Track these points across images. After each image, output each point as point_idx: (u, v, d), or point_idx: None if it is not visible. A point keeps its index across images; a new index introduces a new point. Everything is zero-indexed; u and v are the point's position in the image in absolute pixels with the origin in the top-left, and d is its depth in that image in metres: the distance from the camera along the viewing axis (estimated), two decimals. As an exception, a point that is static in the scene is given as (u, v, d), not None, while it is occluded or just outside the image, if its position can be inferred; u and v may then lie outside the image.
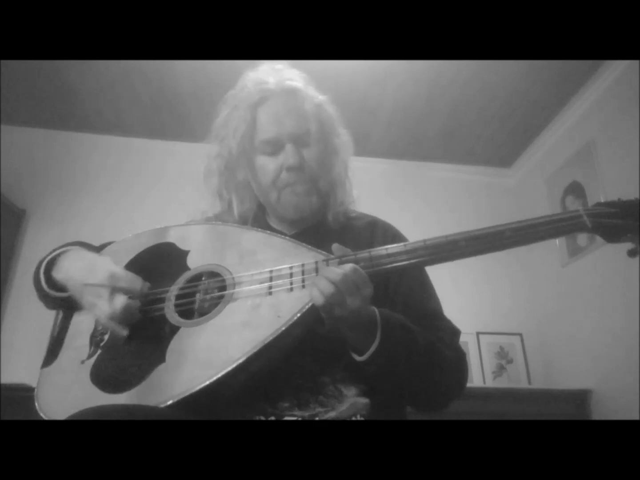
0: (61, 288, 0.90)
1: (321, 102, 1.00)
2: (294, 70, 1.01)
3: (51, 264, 0.92)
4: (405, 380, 0.82)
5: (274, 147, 0.94)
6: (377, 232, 0.99)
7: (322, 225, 0.99)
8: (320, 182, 0.97)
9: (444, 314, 0.95)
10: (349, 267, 0.75)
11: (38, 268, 0.94)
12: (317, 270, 0.80)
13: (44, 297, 0.94)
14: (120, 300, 0.82)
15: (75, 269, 0.88)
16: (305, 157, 0.94)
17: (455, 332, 0.92)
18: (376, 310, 0.79)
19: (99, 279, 0.83)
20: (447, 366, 0.85)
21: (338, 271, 0.74)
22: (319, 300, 0.73)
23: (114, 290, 0.82)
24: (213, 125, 1.02)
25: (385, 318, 0.79)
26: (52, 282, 0.91)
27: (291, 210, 0.96)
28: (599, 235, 0.79)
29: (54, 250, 0.96)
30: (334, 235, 0.94)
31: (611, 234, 0.78)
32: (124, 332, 0.83)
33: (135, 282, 0.85)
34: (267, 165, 0.95)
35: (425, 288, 0.97)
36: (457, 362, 0.88)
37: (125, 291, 0.83)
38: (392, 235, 1.00)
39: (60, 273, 0.89)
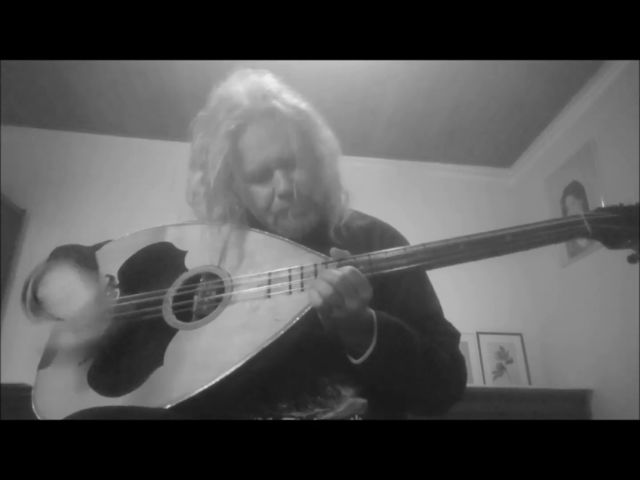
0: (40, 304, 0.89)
1: (301, 114, 0.95)
2: (266, 78, 0.96)
3: (39, 278, 0.91)
4: (402, 384, 0.82)
5: (262, 176, 0.91)
6: (375, 233, 0.98)
7: (316, 233, 0.96)
8: (314, 197, 0.94)
9: (444, 317, 0.94)
10: (347, 269, 0.75)
11: (26, 284, 0.93)
12: (316, 273, 0.80)
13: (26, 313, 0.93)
14: (83, 336, 0.83)
15: (55, 290, 0.87)
16: (295, 179, 0.91)
17: (454, 336, 0.92)
18: (373, 312, 0.78)
19: (71, 310, 0.83)
20: (444, 370, 0.84)
21: (337, 273, 0.74)
22: (317, 301, 0.73)
23: (78, 327, 0.83)
24: (191, 150, 0.98)
25: (382, 321, 0.79)
26: (36, 297, 0.90)
27: (290, 233, 0.93)
28: (600, 241, 0.79)
29: (46, 261, 0.94)
30: (331, 238, 0.93)
31: (612, 240, 0.78)
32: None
33: (99, 324, 0.83)
34: (259, 193, 0.92)
35: (425, 290, 0.96)
36: (456, 366, 0.87)
37: (90, 328, 0.83)
38: (390, 236, 0.99)
39: (43, 290, 0.88)
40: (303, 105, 0.97)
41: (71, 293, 0.85)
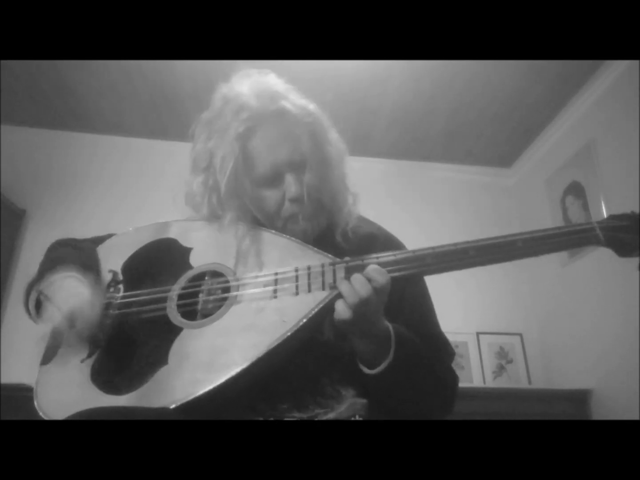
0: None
1: (310, 115, 0.93)
2: (271, 78, 0.94)
3: (42, 284, 0.90)
4: (405, 396, 0.82)
5: (273, 179, 0.89)
6: (378, 242, 0.96)
7: (324, 235, 0.95)
8: (323, 200, 0.94)
9: (444, 335, 0.94)
10: (384, 279, 0.74)
11: (28, 291, 0.93)
12: (323, 274, 0.79)
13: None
14: (71, 341, 0.83)
15: (57, 296, 0.86)
16: (305, 183, 0.90)
17: (450, 355, 0.92)
18: (390, 325, 0.78)
19: (59, 317, 0.82)
20: (441, 388, 0.86)
21: (370, 286, 0.73)
22: (345, 315, 0.73)
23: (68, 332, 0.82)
24: (192, 152, 0.96)
25: (399, 333, 0.79)
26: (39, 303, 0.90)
27: (299, 235, 0.91)
28: (612, 249, 0.78)
29: (45, 258, 0.96)
30: (337, 241, 0.93)
31: (624, 249, 0.77)
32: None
33: (86, 329, 0.82)
34: (269, 197, 0.90)
35: (428, 308, 0.96)
36: (449, 383, 0.88)
37: (76, 334, 0.82)
38: (395, 248, 0.96)
39: (48, 294, 0.87)
40: (311, 106, 0.95)
41: (69, 295, 0.84)
